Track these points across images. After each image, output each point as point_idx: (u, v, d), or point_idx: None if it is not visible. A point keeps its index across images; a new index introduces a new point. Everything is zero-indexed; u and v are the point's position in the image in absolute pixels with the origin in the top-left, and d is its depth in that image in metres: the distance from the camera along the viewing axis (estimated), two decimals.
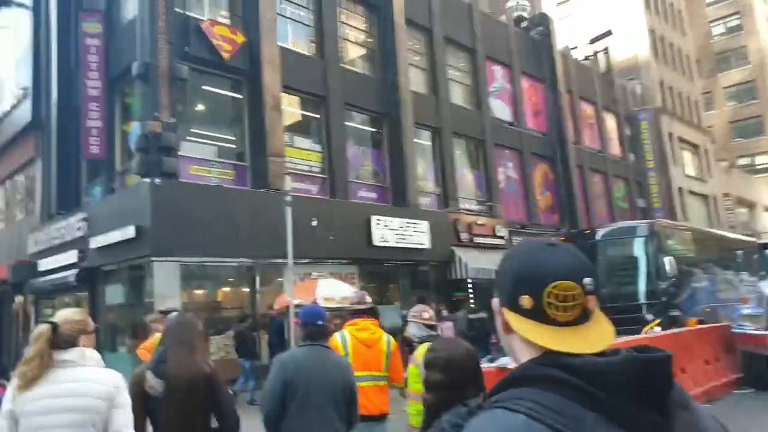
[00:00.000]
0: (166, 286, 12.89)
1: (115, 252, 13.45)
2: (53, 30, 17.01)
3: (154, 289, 12.77)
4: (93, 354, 2.69)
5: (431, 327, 5.28)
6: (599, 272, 12.92)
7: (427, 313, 5.31)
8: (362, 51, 18.28)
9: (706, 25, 48.24)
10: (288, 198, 11.18)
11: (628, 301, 12.52)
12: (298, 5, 16.48)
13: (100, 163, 15.53)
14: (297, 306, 11.80)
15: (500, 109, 22.38)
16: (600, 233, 14.29)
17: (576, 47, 28.45)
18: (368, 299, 4.71)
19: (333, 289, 12.52)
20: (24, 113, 18.91)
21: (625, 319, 11.41)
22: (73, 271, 14.86)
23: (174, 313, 9.93)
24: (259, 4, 14.50)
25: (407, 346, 5.26)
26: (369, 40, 18.39)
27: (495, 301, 1.11)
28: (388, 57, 17.95)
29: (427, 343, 5.19)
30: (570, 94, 25.76)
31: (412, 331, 5.30)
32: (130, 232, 12.58)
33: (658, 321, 11.84)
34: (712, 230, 19.30)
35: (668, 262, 12.24)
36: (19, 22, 19.65)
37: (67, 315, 2.74)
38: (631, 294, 12.93)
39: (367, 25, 18.28)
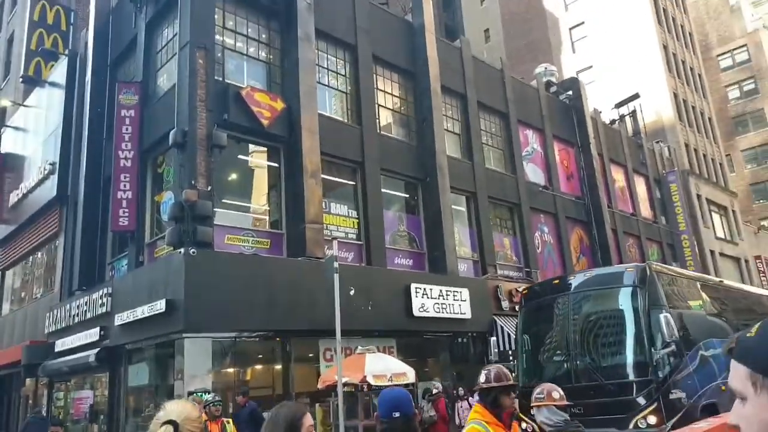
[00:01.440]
0: (197, 364, 11.90)
1: (142, 328, 12.57)
2: (87, 105, 16.98)
3: (185, 368, 11.76)
4: None
5: (563, 409, 4.41)
6: (571, 337, 9.83)
7: (557, 392, 4.49)
8: (398, 117, 18.00)
9: (722, 89, 48.58)
10: (336, 264, 10.37)
11: (611, 377, 9.22)
12: (336, 73, 16.33)
13: (127, 236, 14.93)
14: (346, 384, 10.76)
15: (534, 173, 21.88)
16: (572, 283, 10.58)
17: (601, 112, 28.30)
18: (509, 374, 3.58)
19: (382, 365, 11.47)
20: (48, 189, 18.68)
21: (609, 404, 8.79)
22: (94, 351, 13.92)
23: (209, 396, 9.01)
24: (299, 71, 14.29)
25: None
26: (404, 106, 18.15)
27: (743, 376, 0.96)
28: (423, 122, 17.63)
29: None
30: (601, 157, 25.33)
31: (543, 416, 4.44)
32: (160, 306, 11.73)
33: (652, 407, 8.52)
34: (729, 282, 14.56)
35: (665, 320, 8.63)
36: (51, 101, 19.83)
37: (185, 411, 2.05)
38: (615, 368, 9.42)
39: (402, 92, 18.08)
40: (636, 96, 28.59)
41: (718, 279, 12.61)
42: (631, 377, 9.14)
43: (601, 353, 9.66)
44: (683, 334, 9.29)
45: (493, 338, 15.64)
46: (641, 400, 8.71)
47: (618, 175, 27.13)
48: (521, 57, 38.13)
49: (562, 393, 4.35)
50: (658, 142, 31.44)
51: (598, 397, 8.98)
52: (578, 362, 9.67)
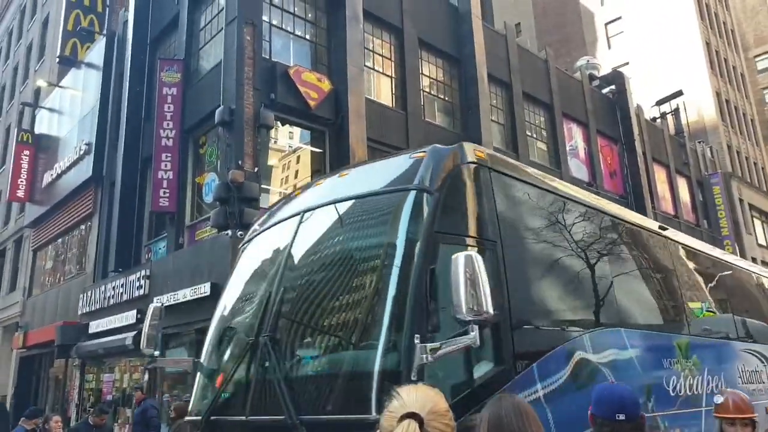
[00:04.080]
0: None
1: (183, 312, 12.16)
2: (125, 85, 16.68)
3: None
4: None
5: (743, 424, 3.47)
6: (271, 307, 4.00)
7: (729, 399, 3.53)
8: (442, 104, 17.42)
9: (759, 92, 47.20)
10: None
11: (319, 406, 3.63)
12: (381, 56, 15.79)
13: (166, 217, 14.57)
14: None
15: (577, 169, 21.16)
16: (318, 192, 4.90)
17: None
18: None
19: None
20: (83, 169, 18.46)
21: None
22: (130, 334, 13.59)
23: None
24: (346, 52, 13.79)
25: None
26: (449, 93, 17.55)
27: None
28: (468, 111, 17.03)
29: None
30: (644, 155, 24.50)
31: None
32: (204, 289, 11.35)
33: None
34: (680, 235, 7.81)
35: (465, 267, 3.13)
36: (87, 81, 19.64)
37: (430, 401, 1.44)
38: (330, 382, 3.71)
39: (447, 78, 17.50)
40: (679, 93, 27.66)
41: (655, 223, 7.16)
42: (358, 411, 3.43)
43: (314, 344, 4.04)
44: (527, 308, 4.27)
45: None
46: None
47: (660, 175, 26.26)
48: (554, 52, 37.26)
49: (740, 403, 3.46)
50: (700, 143, 30.47)
51: None
52: (265, 365, 3.92)
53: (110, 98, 17.99)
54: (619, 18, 37.23)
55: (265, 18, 13.46)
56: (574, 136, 21.63)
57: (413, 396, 1.44)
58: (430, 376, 3.39)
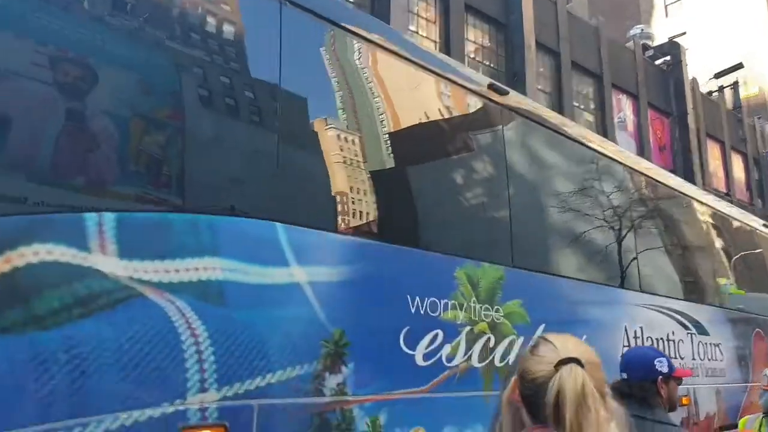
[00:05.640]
0: None
1: None
2: None
3: None
4: None
5: None
6: None
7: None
8: (487, 71, 16.95)
9: None
10: None
11: None
12: (426, 20, 15.42)
13: None
14: None
15: (625, 142, 20.39)
16: None
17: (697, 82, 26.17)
18: None
19: None
20: None
21: None
22: None
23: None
24: (390, 15, 13.52)
25: None
26: (494, 60, 17.08)
27: None
28: (514, 78, 16.53)
29: None
30: (697, 130, 23.44)
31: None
32: None
33: None
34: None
35: None
36: None
37: (588, 353, 1.31)
38: None
39: (492, 44, 17.00)
40: (740, 66, 26.11)
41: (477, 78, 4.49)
42: None
43: None
44: None
45: None
46: None
47: (714, 151, 25.12)
48: (606, 21, 35.79)
49: None
50: (759, 118, 28.94)
51: None
52: None
53: None
54: None
55: None
56: (624, 108, 20.82)
57: (570, 344, 1.31)
58: None
